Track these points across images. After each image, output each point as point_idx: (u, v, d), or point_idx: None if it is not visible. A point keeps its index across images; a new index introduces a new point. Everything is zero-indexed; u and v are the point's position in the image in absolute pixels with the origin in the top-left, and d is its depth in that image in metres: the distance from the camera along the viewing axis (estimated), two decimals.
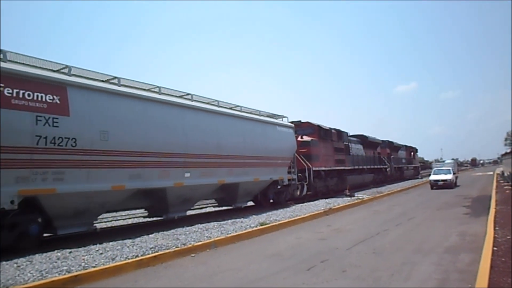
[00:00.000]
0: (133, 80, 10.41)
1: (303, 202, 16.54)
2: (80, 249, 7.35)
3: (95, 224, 9.57)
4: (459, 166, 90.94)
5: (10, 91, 7.25)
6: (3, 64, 7.43)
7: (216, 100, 13.18)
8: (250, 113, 14.89)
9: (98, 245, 7.69)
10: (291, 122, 17.97)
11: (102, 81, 9.70)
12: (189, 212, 13.21)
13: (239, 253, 7.73)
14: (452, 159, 54.63)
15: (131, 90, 10.07)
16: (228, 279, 5.85)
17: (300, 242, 8.59)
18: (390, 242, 8.19)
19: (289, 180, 16.28)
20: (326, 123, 21.68)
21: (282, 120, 17.04)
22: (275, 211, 13.47)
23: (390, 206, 15.82)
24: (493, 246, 6.99)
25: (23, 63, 8.15)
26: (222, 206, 14.65)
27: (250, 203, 15.89)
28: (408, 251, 7.29)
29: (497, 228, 8.80)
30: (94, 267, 6.14)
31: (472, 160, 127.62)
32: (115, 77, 9.84)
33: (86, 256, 6.75)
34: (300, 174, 17.47)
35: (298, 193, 17.26)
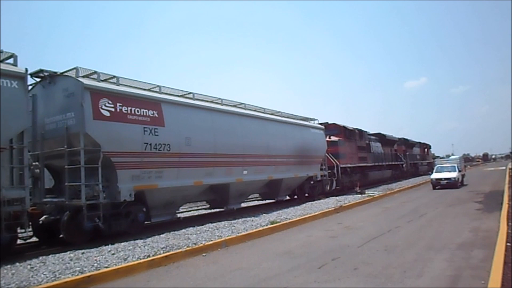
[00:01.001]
0: (201, 94, 12.52)
1: (332, 196, 18.47)
2: (92, 249, 7.50)
3: (177, 214, 11.68)
4: (471, 161, 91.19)
5: (127, 109, 9.36)
6: (119, 88, 9.58)
7: (262, 108, 15.28)
8: (288, 117, 16.94)
9: (110, 245, 7.81)
10: (319, 124, 19.91)
11: (179, 96, 11.78)
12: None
13: (250, 252, 7.71)
14: (464, 154, 55.65)
15: (202, 102, 12.19)
16: (240, 278, 5.85)
17: (311, 240, 8.50)
18: (402, 239, 8.11)
19: (321, 176, 18.29)
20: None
21: (314, 123, 19.02)
22: (285, 209, 13.69)
23: (401, 202, 15.76)
24: (506, 242, 6.94)
25: (125, 85, 10.25)
26: (266, 200, 16.79)
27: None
28: (420, 247, 7.21)
29: (510, 224, 8.74)
30: (106, 267, 6.19)
31: (483, 155, 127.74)
32: (190, 92, 11.97)
33: (98, 257, 6.86)
34: (329, 171, 19.46)
35: (328, 187, 19.27)
